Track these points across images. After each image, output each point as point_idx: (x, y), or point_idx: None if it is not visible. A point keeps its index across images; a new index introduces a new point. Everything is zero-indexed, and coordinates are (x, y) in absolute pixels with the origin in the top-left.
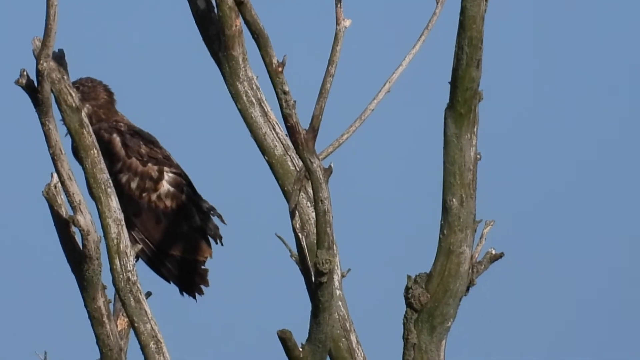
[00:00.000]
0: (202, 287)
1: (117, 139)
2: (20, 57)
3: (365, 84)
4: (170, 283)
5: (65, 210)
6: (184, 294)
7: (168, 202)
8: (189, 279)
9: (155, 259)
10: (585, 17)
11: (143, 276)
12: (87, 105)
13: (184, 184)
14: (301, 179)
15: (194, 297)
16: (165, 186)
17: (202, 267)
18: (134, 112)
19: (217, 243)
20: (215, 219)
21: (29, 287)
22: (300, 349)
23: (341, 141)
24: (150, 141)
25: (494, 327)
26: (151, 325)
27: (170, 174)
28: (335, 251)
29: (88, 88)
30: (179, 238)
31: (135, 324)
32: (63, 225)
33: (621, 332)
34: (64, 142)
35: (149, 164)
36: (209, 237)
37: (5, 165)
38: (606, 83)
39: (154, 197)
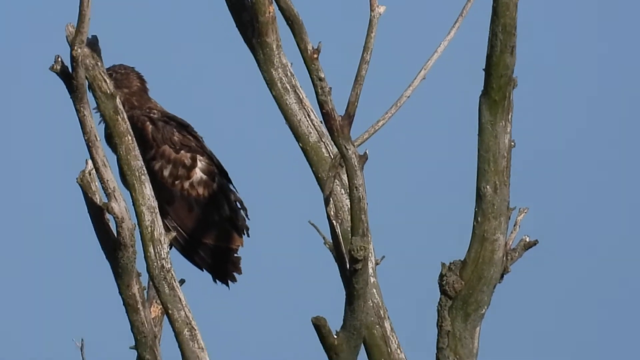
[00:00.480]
0: (235, 274)
1: (149, 126)
2: (54, 44)
3: (401, 71)
4: (203, 271)
5: (99, 197)
6: (217, 281)
7: (200, 190)
8: (222, 266)
9: (188, 247)
10: (621, 2)
11: (177, 263)
12: (120, 92)
13: (216, 172)
14: (336, 166)
15: (227, 285)
16: (198, 174)
17: (235, 255)
18: (166, 99)
19: (242, 235)
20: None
21: (63, 275)
22: (335, 336)
23: (376, 128)
24: (183, 128)
25: (527, 315)
26: (185, 312)
27: (203, 162)
28: (369, 238)
29: (121, 75)
30: (212, 226)
31: (170, 311)
32: (97, 213)
33: None
34: (98, 128)
35: (182, 152)
36: (237, 227)
37: (40, 151)
38: None
39: (186, 184)
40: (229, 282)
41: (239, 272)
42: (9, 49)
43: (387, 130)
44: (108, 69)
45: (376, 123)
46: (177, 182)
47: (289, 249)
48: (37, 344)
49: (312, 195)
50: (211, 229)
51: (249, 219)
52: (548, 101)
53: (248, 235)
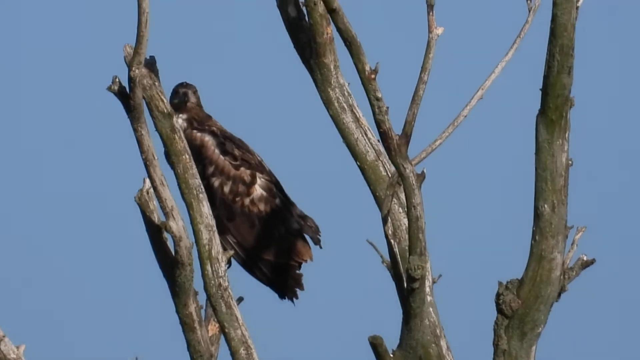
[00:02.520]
0: (297, 290)
1: (210, 141)
2: (112, 64)
3: (458, 91)
4: (266, 286)
5: (157, 216)
6: (285, 297)
7: (262, 207)
8: (284, 282)
9: (250, 263)
10: None
11: (235, 281)
12: (192, 110)
13: (275, 189)
14: (394, 185)
15: (292, 301)
16: (258, 190)
17: (297, 271)
18: (225, 118)
19: (316, 245)
20: (310, 225)
21: (121, 293)
22: (392, 355)
23: (434, 147)
24: (242, 147)
25: (584, 334)
26: (242, 331)
27: (263, 179)
28: (427, 257)
29: (194, 93)
30: (273, 242)
31: (226, 330)
32: (155, 231)
33: None
34: (156, 147)
35: (242, 168)
36: (309, 239)
37: (99, 171)
38: None
39: (247, 201)
40: (293, 298)
41: (301, 288)
42: (68, 69)
43: (445, 149)
44: (183, 86)
45: (433, 142)
46: (237, 198)
47: (347, 267)
48: None
49: (370, 214)
50: (273, 245)
51: (320, 233)
52: (606, 120)
53: (321, 247)
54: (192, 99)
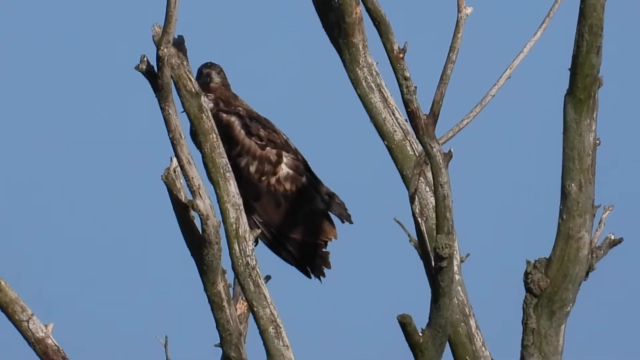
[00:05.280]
0: (324, 269)
1: (236, 122)
2: (141, 43)
3: (486, 70)
4: (292, 266)
5: (184, 195)
6: (312, 276)
7: (288, 186)
8: (311, 261)
9: (276, 243)
10: None
11: (263, 260)
12: (220, 90)
13: (302, 168)
14: (421, 164)
15: (319, 279)
16: (284, 169)
17: (324, 249)
18: (251, 98)
19: (343, 222)
20: (337, 201)
21: (149, 272)
22: (420, 334)
23: (461, 126)
24: (268, 127)
25: (612, 313)
26: (270, 310)
27: (289, 158)
28: (454, 236)
29: (221, 73)
30: (300, 221)
31: (255, 308)
32: (182, 210)
33: None
34: (183, 126)
35: (268, 148)
36: (336, 217)
37: (125, 149)
38: None
39: (273, 180)
40: (320, 276)
41: (328, 266)
42: (96, 48)
43: (472, 128)
44: (207, 66)
45: (461, 122)
46: (263, 178)
47: (375, 246)
48: (122, 340)
49: (398, 193)
50: (299, 224)
51: (347, 210)
52: (634, 99)
53: (351, 222)
54: (216, 79)
